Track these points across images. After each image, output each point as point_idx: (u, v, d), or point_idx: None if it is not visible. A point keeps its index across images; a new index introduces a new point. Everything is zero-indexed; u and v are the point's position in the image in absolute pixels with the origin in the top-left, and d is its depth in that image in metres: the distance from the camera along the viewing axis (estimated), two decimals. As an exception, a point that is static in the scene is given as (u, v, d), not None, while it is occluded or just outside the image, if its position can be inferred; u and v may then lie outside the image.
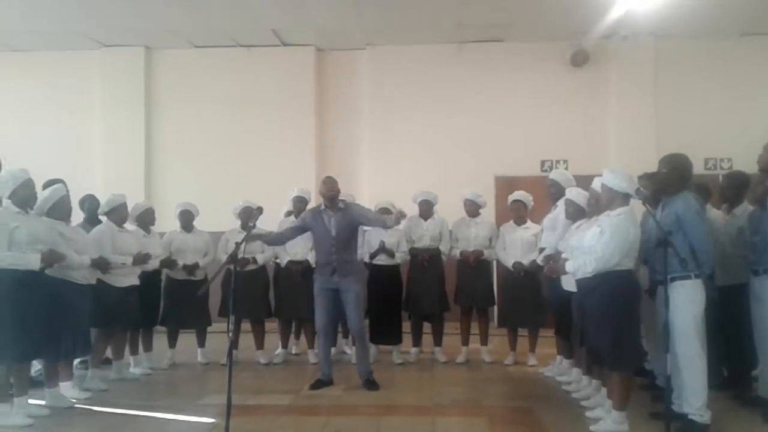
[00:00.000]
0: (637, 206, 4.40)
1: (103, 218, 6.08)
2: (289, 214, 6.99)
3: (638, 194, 4.38)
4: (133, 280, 5.96)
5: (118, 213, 5.97)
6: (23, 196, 4.81)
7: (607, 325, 4.23)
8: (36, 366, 5.49)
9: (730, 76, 9.29)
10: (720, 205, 5.57)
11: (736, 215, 5.11)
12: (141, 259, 5.96)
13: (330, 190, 5.67)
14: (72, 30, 9.05)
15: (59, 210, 5.13)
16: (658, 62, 9.34)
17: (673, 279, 4.21)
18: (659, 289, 4.30)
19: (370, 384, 5.70)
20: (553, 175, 6.24)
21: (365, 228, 6.89)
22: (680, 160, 4.53)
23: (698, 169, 4.73)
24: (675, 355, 4.21)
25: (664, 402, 4.02)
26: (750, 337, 4.82)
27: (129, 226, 6.45)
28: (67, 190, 5.33)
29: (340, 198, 5.79)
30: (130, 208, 6.46)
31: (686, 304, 4.23)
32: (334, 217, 5.67)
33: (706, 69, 9.34)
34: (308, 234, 6.55)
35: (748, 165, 5.12)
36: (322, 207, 5.74)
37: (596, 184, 4.67)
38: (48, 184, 5.51)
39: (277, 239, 6.00)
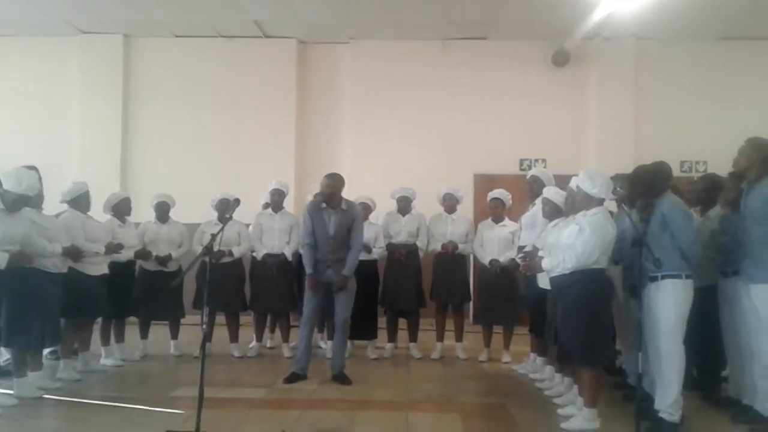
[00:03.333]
0: (610, 206, 4.45)
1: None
2: (266, 206, 6.95)
3: (614, 194, 4.42)
4: (103, 269, 5.89)
5: (80, 201, 5.83)
6: (12, 199, 4.73)
7: (579, 321, 4.27)
8: (5, 355, 5.40)
9: (709, 79, 9.39)
10: (690, 207, 5.63)
11: (709, 218, 5.17)
12: (113, 248, 5.89)
13: (325, 188, 5.66)
14: (50, 15, 8.90)
15: (33, 197, 5.04)
16: (639, 64, 9.42)
17: (663, 277, 4.25)
18: (645, 288, 4.32)
19: (342, 378, 5.69)
20: (534, 171, 6.30)
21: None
22: (658, 165, 4.59)
23: (674, 171, 4.78)
24: (656, 353, 4.26)
25: (635, 400, 4.05)
26: (719, 338, 4.89)
27: (104, 215, 6.39)
28: (40, 177, 5.24)
29: (346, 199, 5.77)
30: (105, 198, 6.40)
31: (674, 303, 4.28)
32: (334, 217, 5.67)
33: (686, 72, 9.44)
34: (286, 227, 6.55)
35: (723, 168, 5.17)
36: (323, 205, 5.70)
37: (574, 183, 4.70)
38: (21, 171, 5.40)
39: (309, 255, 5.73)
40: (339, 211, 5.68)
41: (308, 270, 5.70)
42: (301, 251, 5.95)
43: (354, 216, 5.74)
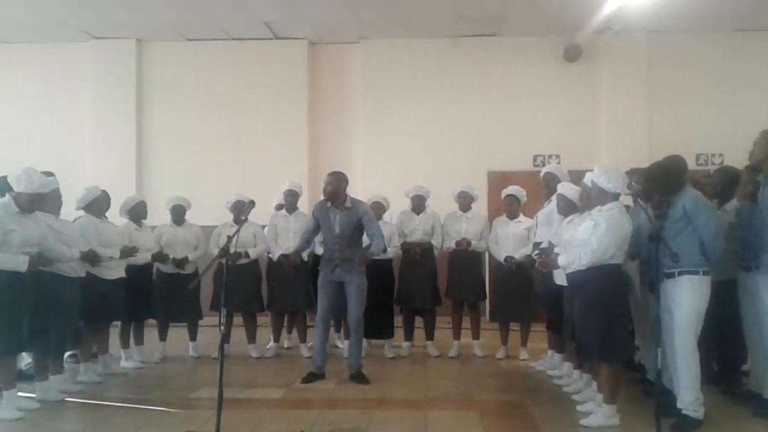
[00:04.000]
0: (625, 200, 4.42)
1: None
2: (279, 207, 6.98)
3: (630, 189, 4.40)
4: (120, 273, 5.94)
5: (94, 206, 5.87)
6: (27, 200, 4.78)
7: (597, 317, 4.26)
8: (26, 359, 5.46)
9: (722, 71, 9.31)
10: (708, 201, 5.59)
11: (726, 210, 5.12)
12: (128, 251, 5.93)
13: (327, 185, 5.68)
14: (63, 22, 8.97)
15: (49, 203, 5.09)
16: (651, 57, 9.35)
17: (680, 273, 4.22)
18: (661, 283, 4.29)
19: (359, 377, 5.70)
20: (549, 168, 6.27)
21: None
22: (674, 160, 4.55)
23: (690, 164, 4.73)
24: (671, 350, 4.23)
25: (654, 396, 4.03)
26: (740, 332, 4.86)
27: (120, 219, 6.44)
28: (58, 183, 5.29)
29: (351, 197, 5.79)
30: (121, 202, 6.45)
31: (691, 299, 4.25)
32: (339, 215, 5.68)
33: (698, 64, 9.36)
34: (300, 227, 6.55)
35: (740, 161, 5.14)
36: (329, 204, 5.73)
37: (588, 179, 4.68)
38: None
39: (304, 245, 5.98)
40: (343, 209, 5.69)
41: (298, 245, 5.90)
42: (298, 248, 6.03)
43: (360, 213, 5.71)
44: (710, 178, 5.63)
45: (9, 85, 9.86)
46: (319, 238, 6.09)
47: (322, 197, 6.46)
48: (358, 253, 5.64)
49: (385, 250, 6.50)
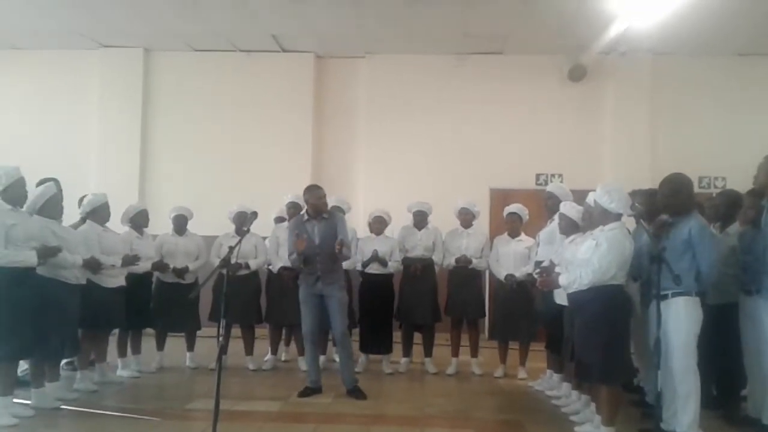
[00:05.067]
0: (628, 221, 4.42)
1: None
2: (279, 220, 6.98)
3: (633, 210, 4.39)
4: (120, 281, 5.93)
5: (99, 213, 5.87)
6: (15, 194, 4.79)
7: (598, 338, 4.23)
8: (22, 366, 5.44)
9: (726, 95, 9.35)
10: (711, 224, 5.59)
11: (728, 234, 5.12)
12: (130, 260, 5.93)
13: (319, 199, 5.65)
14: (71, 29, 9.04)
15: (50, 209, 5.11)
16: (656, 79, 9.39)
17: (674, 295, 4.21)
18: (652, 305, 4.29)
19: (356, 392, 5.66)
20: (550, 188, 6.27)
21: (358, 237, 6.93)
22: (683, 179, 4.55)
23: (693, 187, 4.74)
24: (669, 372, 4.21)
25: (653, 419, 4.01)
26: (740, 356, 4.83)
27: (122, 227, 6.44)
28: (60, 189, 5.31)
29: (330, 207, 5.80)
30: (123, 210, 6.46)
31: (684, 321, 4.24)
32: (318, 227, 5.64)
33: (702, 87, 9.40)
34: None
35: (742, 184, 5.14)
36: (305, 217, 5.69)
37: (591, 198, 4.68)
38: (41, 183, 5.47)
39: (296, 261, 5.77)
40: (321, 220, 5.66)
41: (296, 262, 5.68)
42: (291, 264, 5.91)
43: (336, 221, 5.70)
44: (712, 201, 5.63)
45: (16, 90, 9.91)
46: (283, 252, 6.16)
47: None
48: (337, 241, 5.49)
49: (385, 265, 6.52)
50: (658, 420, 4.01)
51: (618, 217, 4.37)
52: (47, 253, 4.80)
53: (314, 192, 5.69)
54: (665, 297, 4.21)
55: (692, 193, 4.53)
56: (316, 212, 5.64)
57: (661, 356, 4.05)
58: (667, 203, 4.51)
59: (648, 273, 4.39)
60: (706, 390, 4.51)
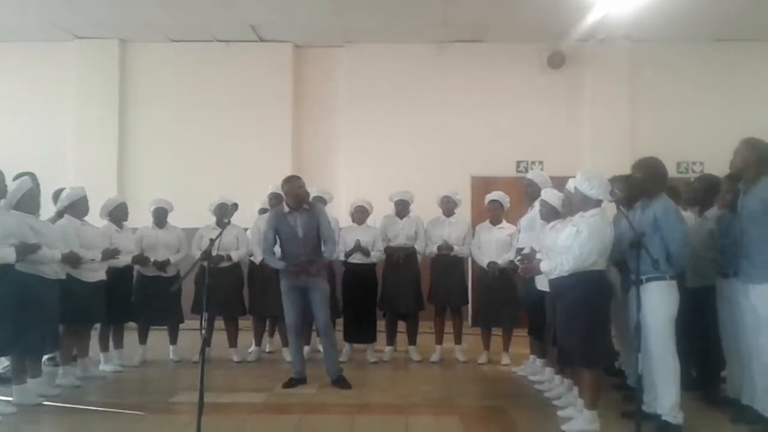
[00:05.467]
0: (609, 208, 4.45)
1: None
2: (263, 211, 6.95)
3: (612, 196, 4.43)
4: (101, 275, 5.87)
5: (77, 207, 5.80)
6: None
7: (579, 323, 4.27)
8: (3, 362, 5.39)
9: (703, 80, 9.44)
10: (686, 208, 5.65)
11: (707, 218, 5.18)
12: (110, 254, 5.88)
13: (299, 188, 5.59)
14: (45, 21, 8.89)
15: (27, 203, 5.05)
16: (634, 65, 9.46)
17: (648, 279, 4.25)
18: (631, 289, 4.33)
19: (341, 382, 5.67)
20: (530, 175, 6.30)
21: (341, 226, 6.92)
22: (655, 163, 4.59)
23: (671, 172, 4.77)
24: (648, 356, 4.26)
25: (635, 402, 4.06)
26: (719, 338, 4.91)
27: (101, 220, 6.37)
28: (37, 183, 5.24)
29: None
30: (102, 203, 6.39)
31: (660, 304, 4.28)
32: (300, 218, 5.59)
33: (680, 73, 9.48)
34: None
35: (720, 169, 5.19)
36: (286, 209, 5.63)
37: (571, 185, 4.71)
38: (18, 177, 5.39)
39: (271, 258, 5.74)
40: (303, 211, 5.61)
41: (281, 265, 5.61)
42: (267, 261, 5.88)
43: (317, 212, 5.67)
44: (690, 185, 5.69)
45: (-10, 83, 9.74)
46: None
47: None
48: (320, 260, 5.57)
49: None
50: (639, 402, 4.05)
51: (598, 203, 4.40)
52: (26, 250, 4.74)
53: (294, 182, 5.63)
54: (640, 282, 4.24)
55: (662, 177, 4.56)
56: (296, 203, 5.58)
57: (641, 340, 4.10)
58: (642, 184, 4.55)
59: (627, 258, 4.42)
60: (685, 372, 4.58)
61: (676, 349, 4.33)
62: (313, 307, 5.67)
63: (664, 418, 4.28)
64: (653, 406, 4.38)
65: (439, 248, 6.68)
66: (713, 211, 5.14)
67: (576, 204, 4.49)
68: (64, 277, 5.33)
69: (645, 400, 4.36)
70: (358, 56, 9.66)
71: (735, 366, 4.86)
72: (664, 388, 4.31)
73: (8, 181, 5.02)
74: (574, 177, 4.55)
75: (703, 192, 5.35)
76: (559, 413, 4.74)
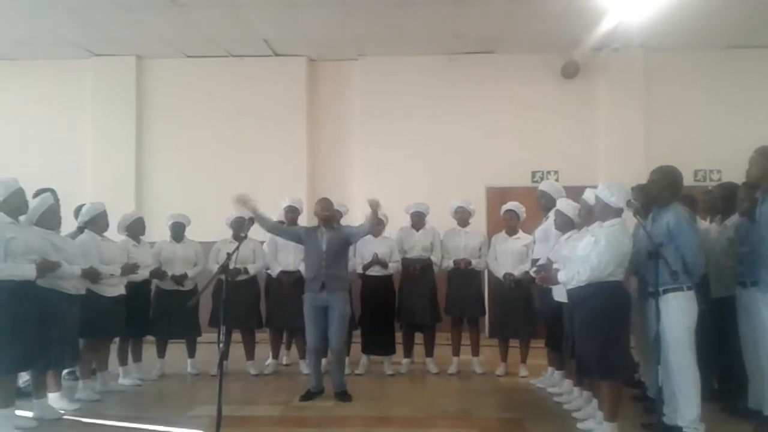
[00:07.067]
0: (629, 218, 4.43)
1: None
2: (280, 224, 6.97)
3: (629, 206, 4.41)
4: (120, 290, 5.93)
5: (97, 222, 5.87)
6: (14, 205, 4.78)
7: (597, 334, 4.25)
8: (24, 377, 5.44)
9: (719, 87, 9.36)
10: (705, 217, 5.61)
11: (727, 226, 5.13)
12: (129, 269, 5.94)
13: (325, 210, 5.76)
14: (63, 39, 9.02)
15: (49, 219, 5.11)
16: (648, 74, 9.41)
17: (665, 291, 4.22)
18: (650, 300, 4.30)
19: (343, 396, 5.69)
20: (542, 186, 6.28)
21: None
22: (670, 170, 4.57)
23: (688, 180, 4.76)
24: (667, 367, 4.22)
25: (655, 414, 4.02)
26: (739, 348, 4.84)
27: (119, 235, 6.43)
28: (57, 199, 5.30)
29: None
30: (119, 218, 6.45)
31: (679, 315, 4.24)
32: (326, 234, 5.73)
33: (695, 81, 9.42)
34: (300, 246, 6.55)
35: (738, 176, 5.14)
36: (318, 224, 5.83)
37: (588, 195, 4.70)
38: (38, 194, 5.48)
39: (274, 228, 5.93)
40: (331, 229, 5.79)
41: (270, 225, 5.82)
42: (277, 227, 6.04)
43: (344, 231, 5.87)
44: (709, 194, 5.65)
45: (10, 100, 9.87)
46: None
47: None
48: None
49: (385, 266, 6.56)
50: (660, 414, 4.01)
51: (619, 213, 4.37)
52: (47, 267, 4.79)
53: (322, 204, 5.83)
54: (656, 294, 4.20)
55: (676, 185, 4.53)
56: (327, 222, 5.78)
57: (661, 351, 4.06)
58: (656, 191, 4.52)
59: (645, 269, 4.39)
60: (707, 383, 4.53)
61: (698, 360, 4.29)
62: (330, 326, 5.70)
63: (685, 430, 4.24)
64: (674, 418, 4.33)
65: (456, 263, 6.67)
66: (733, 220, 5.10)
67: (597, 213, 4.48)
68: (84, 292, 5.40)
69: (665, 412, 4.32)
70: (372, 69, 9.70)
71: (756, 377, 4.80)
72: (684, 400, 4.26)
73: (29, 197, 5.07)
74: (589, 187, 4.55)
75: (722, 200, 5.31)
76: (579, 425, 4.71)
